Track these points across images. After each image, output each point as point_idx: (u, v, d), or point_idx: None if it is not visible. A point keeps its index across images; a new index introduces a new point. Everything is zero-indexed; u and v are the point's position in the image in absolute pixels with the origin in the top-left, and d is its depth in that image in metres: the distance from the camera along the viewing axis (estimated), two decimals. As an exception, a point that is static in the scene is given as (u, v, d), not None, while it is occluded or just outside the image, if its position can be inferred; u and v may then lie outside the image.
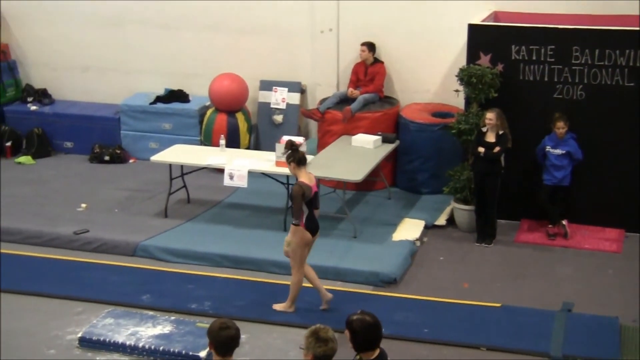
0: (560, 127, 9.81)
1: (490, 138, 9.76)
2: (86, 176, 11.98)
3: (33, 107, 12.99)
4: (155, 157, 10.69)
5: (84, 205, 10.86)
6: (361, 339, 5.13)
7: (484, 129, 9.80)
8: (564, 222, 10.08)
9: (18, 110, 12.99)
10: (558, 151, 9.88)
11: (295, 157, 8.04)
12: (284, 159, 9.75)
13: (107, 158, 12.45)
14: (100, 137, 12.64)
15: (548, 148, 9.93)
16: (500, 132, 9.72)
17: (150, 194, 11.21)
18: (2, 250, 9.80)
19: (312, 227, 8.13)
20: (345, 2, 11.87)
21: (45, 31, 13.22)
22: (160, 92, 12.71)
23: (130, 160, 12.55)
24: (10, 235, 10.08)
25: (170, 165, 10.58)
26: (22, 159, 12.52)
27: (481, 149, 9.74)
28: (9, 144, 12.68)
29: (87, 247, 9.90)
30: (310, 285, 8.47)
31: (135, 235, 9.94)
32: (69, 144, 12.87)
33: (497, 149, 9.70)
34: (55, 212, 10.64)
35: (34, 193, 11.35)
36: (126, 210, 10.76)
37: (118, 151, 12.49)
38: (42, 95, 13.18)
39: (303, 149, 10.06)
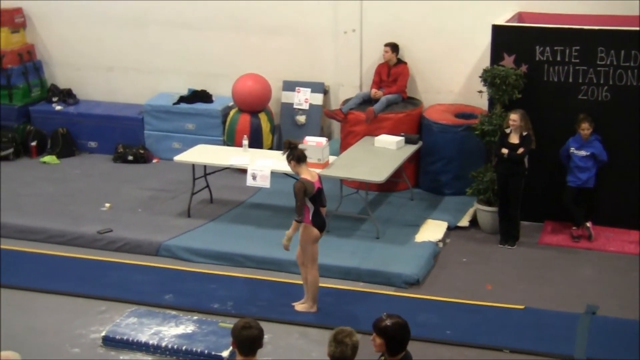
0: (585, 128, 9.74)
1: (514, 139, 9.71)
2: (110, 176, 12.04)
3: (58, 107, 13.07)
4: (179, 157, 10.72)
5: (107, 204, 10.92)
6: (396, 343, 5.15)
7: (508, 130, 9.76)
8: (588, 224, 10.01)
9: (43, 110, 13.08)
10: (582, 152, 9.81)
11: (294, 155, 8.13)
12: (308, 160, 9.81)
13: (130, 158, 12.51)
14: (124, 137, 12.70)
15: (572, 149, 9.86)
16: (524, 134, 9.67)
17: (173, 194, 11.25)
18: (27, 249, 9.91)
19: (319, 223, 8.20)
20: (369, 2, 11.85)
21: (70, 31, 13.31)
22: (184, 92, 12.76)
23: (154, 160, 12.60)
24: (35, 234, 10.16)
25: (193, 165, 10.61)
26: (47, 158, 12.61)
27: (505, 151, 9.70)
28: (34, 143, 12.77)
29: (111, 246, 9.95)
30: (327, 285, 8.49)
31: (158, 234, 9.98)
32: (93, 144, 12.95)
33: (520, 150, 9.65)
34: (79, 212, 10.71)
35: (58, 192, 11.43)
36: (149, 210, 10.80)
37: (141, 151, 12.54)
38: (66, 95, 13.27)
39: (326, 149, 10.12)
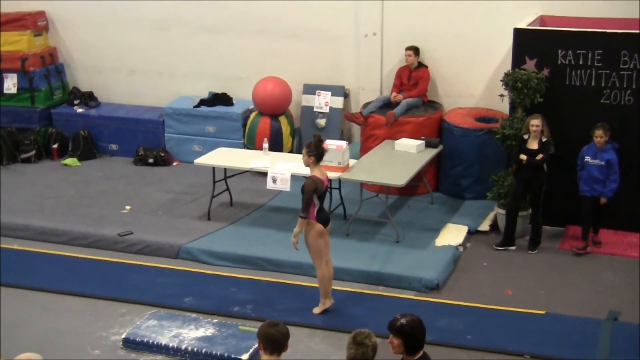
0: (599, 135, 9.56)
1: (533, 145, 9.65)
2: (130, 178, 12.08)
3: (79, 110, 13.14)
4: (199, 160, 10.75)
5: (128, 207, 10.96)
6: (414, 340, 5.13)
7: (526, 136, 9.70)
8: (595, 238, 9.90)
9: (65, 113, 13.15)
10: (597, 162, 9.61)
11: (318, 152, 8.18)
12: (327, 163, 9.82)
13: (151, 160, 12.55)
14: (145, 139, 12.75)
15: (587, 158, 9.67)
16: (544, 139, 9.61)
17: (193, 197, 11.27)
18: (50, 251, 9.97)
19: (324, 218, 8.27)
20: (389, 6, 11.84)
21: (92, 35, 13.38)
22: (205, 95, 12.79)
23: (174, 163, 12.63)
24: (57, 236, 10.22)
25: (213, 168, 10.63)
26: (68, 160, 12.67)
27: (523, 157, 9.64)
28: (55, 146, 12.84)
29: (131, 248, 9.99)
30: (347, 289, 8.47)
31: (179, 237, 10.00)
32: (114, 147, 13.00)
33: (540, 156, 9.59)
34: (100, 214, 10.75)
35: (80, 195, 11.48)
36: (170, 213, 10.83)
37: (162, 154, 12.58)
38: (88, 98, 13.33)
39: (346, 153, 10.11)
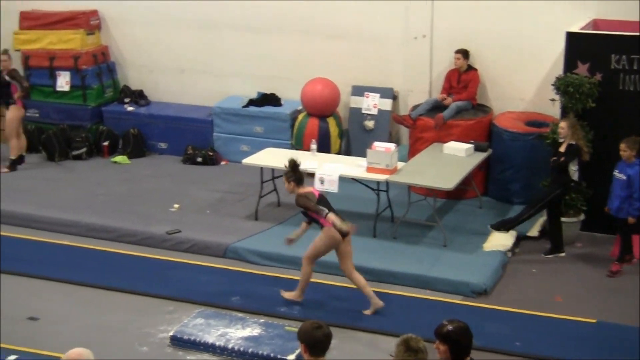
0: (622, 149, 9.16)
1: (562, 148, 9.59)
2: (179, 177, 12.17)
3: (130, 108, 13.27)
4: (247, 160, 10.79)
5: (176, 205, 11.04)
6: (461, 347, 5.09)
7: (561, 140, 9.61)
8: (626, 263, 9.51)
9: (115, 111, 13.29)
10: (621, 176, 9.24)
11: (296, 176, 8.40)
12: (375, 165, 9.81)
13: (199, 160, 12.62)
14: (194, 138, 12.82)
15: (615, 171, 9.34)
16: (571, 143, 9.51)
17: (241, 196, 11.31)
18: (99, 248, 10.10)
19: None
20: (440, 8, 11.77)
21: (144, 34, 13.50)
22: (253, 95, 12.84)
23: (222, 163, 12.70)
24: (106, 232, 10.34)
25: (261, 168, 10.67)
26: (118, 158, 12.80)
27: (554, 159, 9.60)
28: (106, 143, 12.99)
29: (179, 247, 10.06)
30: (393, 292, 8.44)
31: (226, 236, 10.05)
32: (163, 145, 13.10)
33: (561, 158, 9.50)
34: (149, 212, 10.84)
35: (129, 192, 11.59)
36: (217, 212, 10.89)
37: (210, 153, 12.65)
38: (138, 97, 13.46)
39: (394, 155, 10.07)
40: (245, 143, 12.49)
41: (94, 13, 13.52)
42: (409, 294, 8.96)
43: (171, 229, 10.26)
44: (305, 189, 8.48)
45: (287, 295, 8.74)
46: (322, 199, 8.48)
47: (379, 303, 8.52)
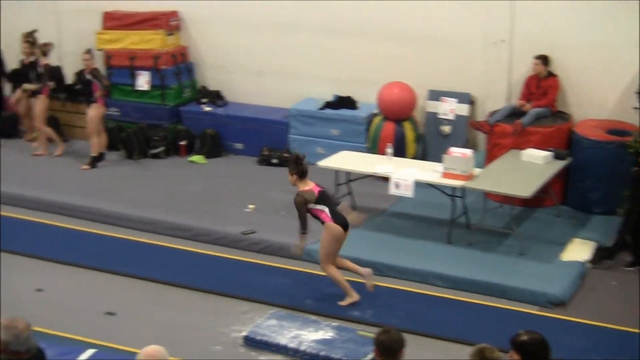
0: None
1: None
2: (254, 178, 12.25)
3: (207, 108, 13.41)
4: (322, 163, 10.80)
5: (251, 206, 11.12)
6: (535, 359, 5.01)
7: None
8: None
9: (193, 111, 13.44)
10: None
11: (299, 170, 8.56)
12: (451, 171, 9.73)
13: (275, 161, 12.69)
14: (270, 140, 12.90)
15: None
16: None
17: (315, 199, 11.32)
18: (175, 246, 10.24)
19: (340, 221, 8.56)
20: (519, 13, 11.60)
21: (222, 35, 13.63)
22: (330, 97, 12.85)
23: (297, 164, 12.73)
24: (182, 231, 10.47)
25: (336, 171, 10.66)
26: (195, 158, 12.96)
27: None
28: (183, 142, 13.15)
29: (254, 247, 10.13)
30: (468, 300, 8.51)
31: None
32: (239, 146, 13.21)
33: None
34: (224, 212, 10.94)
35: (205, 192, 11.72)
36: (293, 214, 10.70)
37: (286, 154, 12.70)
38: (216, 97, 13.59)
39: (471, 161, 9.97)
40: (321, 145, 12.51)
41: (174, 14, 13.70)
42: (484, 302, 8.85)
43: (246, 229, 10.33)
44: (307, 185, 8.59)
45: (344, 302, 8.77)
46: (323, 195, 8.61)
47: (354, 297, 8.73)
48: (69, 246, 10.28)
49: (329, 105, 12.72)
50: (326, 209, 8.56)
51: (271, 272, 9.60)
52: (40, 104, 13.02)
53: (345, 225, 8.58)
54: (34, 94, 13.06)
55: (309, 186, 8.61)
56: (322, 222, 8.61)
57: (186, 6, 13.72)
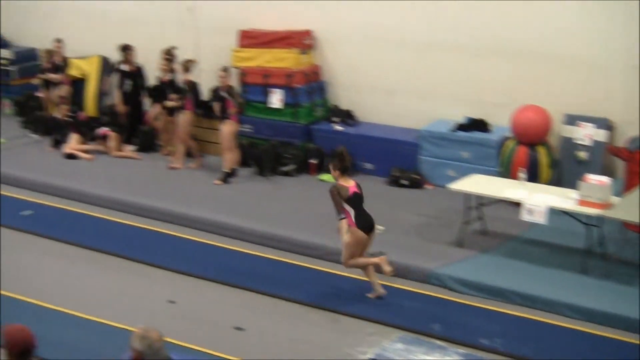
0: None
1: None
2: (383, 198, 12.15)
3: (338, 127, 13.47)
4: (453, 185, 10.66)
5: (380, 227, 11.03)
6: None
7: None
8: None
9: (324, 130, 13.51)
10: None
11: (341, 165, 8.96)
12: (587, 198, 9.41)
13: (404, 182, 12.61)
14: (400, 160, 12.83)
15: None
16: None
17: (445, 222, 11.17)
18: (301, 263, 10.30)
19: (364, 224, 8.98)
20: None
21: (355, 54, 13.68)
22: (462, 119, 12.70)
23: (427, 186, 12.62)
24: (310, 249, 10.53)
25: (467, 194, 10.50)
26: (325, 176, 12.99)
27: None
28: (314, 161, 13.24)
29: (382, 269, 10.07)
30: (604, 334, 8.26)
31: (429, 262, 9.96)
32: (368, 165, 13.19)
33: None
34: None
35: (334, 211, 11.67)
36: (421, 236, 10.82)
37: (416, 176, 12.61)
38: (347, 116, 13.65)
39: (609, 189, 9.61)
40: (452, 168, 12.36)
41: (308, 33, 13.85)
42: (621, 338, 8.49)
43: (375, 250, 10.27)
44: (347, 182, 8.95)
45: (371, 295, 9.29)
46: (355, 198, 8.94)
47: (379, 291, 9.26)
48: (200, 260, 10.50)
49: (461, 127, 12.56)
50: (352, 212, 8.93)
51: (399, 294, 9.50)
52: (184, 119, 13.38)
53: (366, 227, 8.98)
54: (174, 110, 13.44)
55: (349, 184, 8.98)
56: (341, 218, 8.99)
57: (320, 26, 13.85)
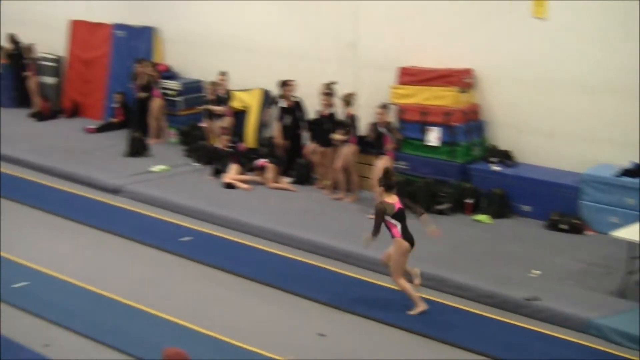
0: None
1: None
2: (541, 242, 11.81)
3: (496, 168, 13.21)
4: (617, 233, 10.20)
5: (536, 271, 10.72)
6: None
7: None
8: None
9: (481, 169, 13.28)
10: None
11: (386, 182, 9.54)
12: None
13: (563, 226, 12.18)
14: (559, 204, 12.42)
15: None
16: None
17: (607, 270, 10.69)
18: (444, 301, 10.12)
19: (408, 237, 9.57)
20: None
21: (516, 94, 13.41)
22: (628, 164, 12.17)
23: (588, 232, 12.14)
24: (464, 291, 10.33)
25: (632, 243, 10.01)
26: (481, 217, 12.76)
27: None
28: (470, 200, 13.01)
29: (537, 315, 9.75)
30: None
31: (588, 311, 9.55)
32: (526, 208, 12.83)
33: None
34: (507, 274, 10.64)
35: (489, 252, 11.46)
36: (580, 284, 10.39)
37: (576, 221, 12.16)
38: (505, 157, 13.37)
39: None
40: (615, 214, 11.84)
41: (468, 72, 13.71)
42: None
43: (530, 295, 9.96)
44: (391, 199, 9.49)
45: (412, 312, 9.63)
46: (400, 213, 9.49)
47: (420, 307, 9.68)
48: (352, 295, 10.44)
49: (626, 172, 12.04)
50: (399, 226, 9.50)
51: (554, 343, 9.17)
52: (348, 151, 13.48)
53: (412, 242, 9.55)
54: (333, 143, 13.56)
55: (393, 200, 9.50)
56: (392, 237, 9.52)
57: (480, 64, 13.68)
